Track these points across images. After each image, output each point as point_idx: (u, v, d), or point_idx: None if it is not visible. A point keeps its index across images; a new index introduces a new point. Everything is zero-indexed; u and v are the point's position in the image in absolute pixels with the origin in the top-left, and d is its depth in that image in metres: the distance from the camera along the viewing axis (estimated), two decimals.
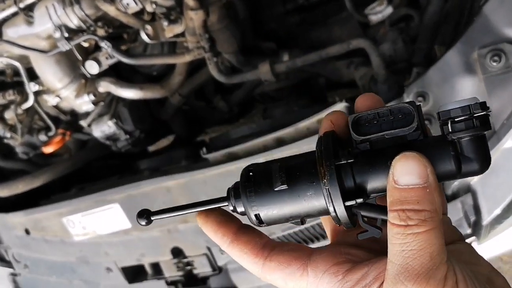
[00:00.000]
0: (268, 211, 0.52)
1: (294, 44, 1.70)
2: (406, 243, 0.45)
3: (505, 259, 2.22)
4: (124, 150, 1.71)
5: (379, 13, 1.51)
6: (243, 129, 1.51)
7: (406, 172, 0.46)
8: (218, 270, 1.50)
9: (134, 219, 1.50)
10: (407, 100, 1.10)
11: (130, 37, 1.56)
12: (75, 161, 1.75)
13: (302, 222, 0.53)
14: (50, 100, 1.65)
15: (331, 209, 0.49)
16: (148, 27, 1.45)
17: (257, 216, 0.52)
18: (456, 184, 1.19)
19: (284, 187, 0.50)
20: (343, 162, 0.49)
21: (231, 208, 0.53)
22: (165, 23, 1.42)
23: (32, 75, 1.66)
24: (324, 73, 1.60)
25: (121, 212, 1.52)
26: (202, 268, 1.52)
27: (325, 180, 0.49)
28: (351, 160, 0.49)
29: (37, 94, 1.66)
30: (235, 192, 0.52)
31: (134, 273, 1.63)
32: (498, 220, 1.21)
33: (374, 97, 0.54)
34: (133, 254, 1.59)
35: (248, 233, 0.54)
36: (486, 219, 1.18)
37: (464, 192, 1.17)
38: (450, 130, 0.47)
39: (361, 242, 0.53)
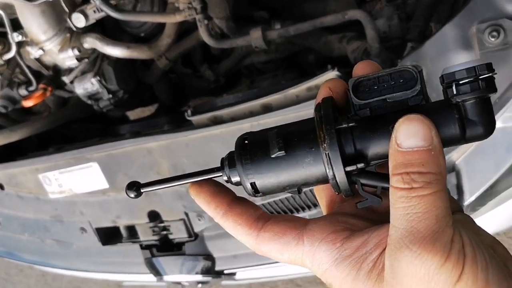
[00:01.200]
0: (264, 179, 0.50)
1: (288, 16, 1.67)
2: (410, 206, 0.44)
3: None
4: (106, 110, 1.67)
5: None
6: (229, 98, 1.48)
7: (410, 135, 0.45)
8: (194, 236, 1.48)
9: (112, 179, 1.47)
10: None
11: None
12: (55, 118, 1.71)
13: (299, 191, 0.52)
14: (33, 53, 1.60)
15: (330, 174, 0.48)
16: None
17: (252, 185, 0.51)
18: None
19: (282, 153, 0.49)
20: (343, 126, 0.48)
21: (225, 178, 0.51)
22: None
23: (16, 26, 1.60)
24: (315, 46, 1.57)
25: (99, 171, 1.49)
26: (178, 233, 1.50)
27: (325, 145, 0.47)
28: (352, 124, 0.48)
29: (20, 45, 1.60)
30: (229, 161, 0.51)
31: (108, 234, 1.60)
32: (480, 202, 1.21)
33: (373, 65, 0.52)
34: (109, 215, 1.56)
35: (242, 205, 0.53)
36: (468, 199, 1.17)
37: (448, 171, 1.16)
38: (455, 93, 0.45)
39: (359, 212, 0.52)
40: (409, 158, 0.44)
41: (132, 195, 0.53)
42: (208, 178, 0.52)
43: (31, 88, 1.69)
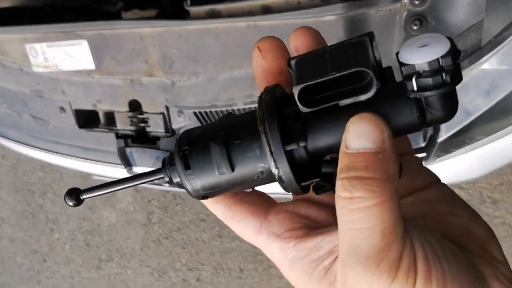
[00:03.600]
0: (212, 192, 0.48)
1: None
2: (353, 220, 0.40)
3: None
4: None
5: None
6: None
7: (358, 136, 0.40)
8: (171, 132, 1.49)
9: (99, 61, 1.46)
10: None
11: None
12: None
13: (252, 189, 0.51)
14: None
15: (285, 189, 0.46)
16: None
17: (201, 195, 0.49)
18: None
19: (229, 173, 0.46)
20: (293, 148, 0.44)
21: (167, 179, 0.49)
22: None
23: None
24: None
25: (88, 50, 1.47)
26: (155, 127, 1.50)
27: (277, 170, 0.44)
28: (303, 144, 0.44)
29: None
30: (171, 168, 0.49)
31: (86, 118, 1.60)
32: (453, 143, 1.23)
33: (312, 33, 0.48)
34: (90, 98, 1.55)
35: None
36: (442, 136, 1.19)
37: None
38: (415, 89, 0.40)
39: (325, 200, 0.50)
40: (353, 161, 0.40)
41: (71, 204, 0.50)
42: (151, 180, 0.50)
43: None
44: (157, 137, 1.52)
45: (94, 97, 1.55)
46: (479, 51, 1.07)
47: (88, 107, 1.57)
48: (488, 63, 1.08)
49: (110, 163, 1.68)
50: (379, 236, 0.39)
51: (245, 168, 0.46)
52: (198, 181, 0.47)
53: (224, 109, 1.35)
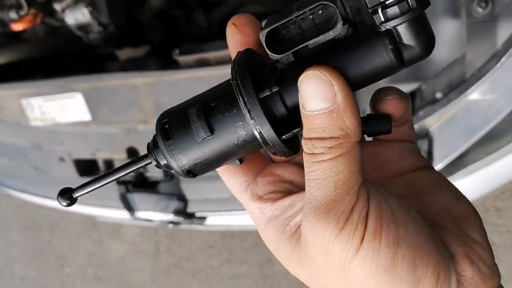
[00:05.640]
0: (196, 163, 0.46)
1: None
2: (311, 172, 0.41)
3: None
4: (95, 43, 1.66)
5: None
6: (218, 44, 1.49)
7: (310, 96, 0.41)
8: (169, 176, 1.51)
9: (95, 112, 1.48)
10: None
11: None
12: (43, 46, 1.70)
13: (241, 161, 0.49)
14: None
15: (269, 148, 0.45)
16: None
17: (188, 171, 0.47)
18: (415, 128, 1.22)
19: (209, 136, 0.45)
20: (266, 94, 0.43)
21: (154, 163, 0.48)
22: None
23: None
24: None
25: (83, 102, 1.50)
26: (154, 172, 1.52)
27: (253, 120, 0.43)
28: (276, 89, 0.43)
29: None
30: (154, 147, 0.47)
31: (86, 166, 1.63)
32: (449, 170, 1.25)
33: (248, 17, 0.48)
34: (89, 147, 1.58)
35: None
36: (437, 166, 1.21)
37: (421, 137, 1.20)
38: (383, 20, 0.40)
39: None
40: (312, 124, 0.41)
41: (65, 204, 0.49)
42: (140, 167, 0.49)
43: (22, 12, 1.67)
44: (156, 181, 1.55)
45: (92, 146, 1.57)
46: (464, 84, 1.09)
47: (87, 156, 1.60)
48: (476, 94, 1.10)
49: (113, 207, 1.70)
50: (331, 187, 0.40)
51: (225, 129, 0.44)
52: (181, 155, 0.46)
53: None
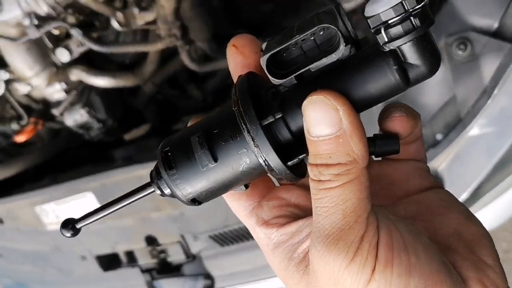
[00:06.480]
0: (201, 191, 0.45)
1: (268, 33, 1.70)
2: (319, 199, 0.40)
3: None
4: (97, 139, 1.70)
5: (352, 0, 1.51)
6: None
7: (315, 121, 0.39)
8: (191, 257, 1.51)
9: None
10: None
11: (101, 24, 1.55)
12: (48, 150, 1.74)
13: (246, 187, 0.48)
14: (22, 89, 1.63)
15: (275, 175, 0.43)
16: (119, 14, 1.44)
17: (193, 199, 0.46)
18: None
19: (213, 164, 0.43)
20: (270, 121, 0.42)
21: (158, 192, 0.47)
22: (136, 11, 1.41)
23: (2, 63, 1.64)
24: None
25: (95, 201, 1.52)
26: (176, 255, 1.52)
27: (258, 150, 0.42)
28: (280, 116, 0.42)
29: (7, 82, 1.64)
30: (158, 178, 0.47)
31: (108, 261, 1.63)
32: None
33: (248, 38, 0.47)
34: (108, 242, 1.59)
35: None
36: None
37: None
38: (387, 40, 0.38)
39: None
40: (318, 150, 0.40)
41: (68, 234, 0.48)
42: (143, 196, 0.48)
43: (23, 122, 1.72)
44: (179, 264, 1.54)
45: (111, 240, 1.58)
46: (461, 122, 1.10)
47: (107, 250, 1.60)
48: (475, 129, 1.10)
49: None
50: (340, 215, 0.39)
51: (228, 157, 0.43)
52: (185, 183, 0.44)
53: (237, 226, 1.37)
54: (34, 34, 1.47)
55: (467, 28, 1.03)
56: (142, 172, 1.41)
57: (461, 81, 1.05)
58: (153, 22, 1.49)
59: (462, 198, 1.20)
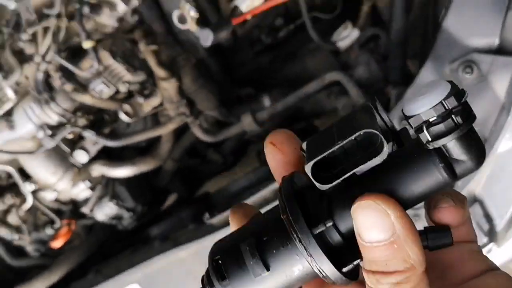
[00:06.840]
0: None
1: (271, 83, 1.70)
2: None
3: None
4: (130, 227, 1.71)
5: (346, 38, 1.52)
6: (242, 182, 1.52)
7: (367, 226, 0.38)
8: None
9: None
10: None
11: (111, 118, 1.58)
12: (87, 248, 1.75)
13: None
14: (48, 196, 1.66)
15: (329, 281, 0.42)
16: (126, 106, 1.46)
17: None
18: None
19: (266, 273, 0.43)
20: (321, 229, 0.41)
21: None
22: (141, 100, 1.43)
23: (25, 175, 1.67)
24: (307, 108, 1.60)
25: None
26: None
27: (311, 259, 0.41)
28: (330, 224, 0.41)
29: (34, 193, 1.67)
30: (209, 283, 0.45)
31: None
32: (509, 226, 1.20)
33: (289, 136, 0.47)
34: None
35: None
36: (500, 224, 1.16)
37: (471, 203, 1.16)
38: (430, 139, 0.37)
39: None
40: (372, 256, 0.38)
41: None
42: None
43: (56, 226, 1.74)
44: None
45: None
46: (487, 142, 1.07)
47: None
48: (502, 146, 1.07)
49: None
50: None
51: (281, 265, 0.42)
52: None
53: None
54: (49, 144, 1.50)
55: (469, 50, 1.01)
56: (181, 254, 1.41)
57: (476, 103, 1.03)
58: (161, 104, 1.52)
59: (507, 217, 1.17)
